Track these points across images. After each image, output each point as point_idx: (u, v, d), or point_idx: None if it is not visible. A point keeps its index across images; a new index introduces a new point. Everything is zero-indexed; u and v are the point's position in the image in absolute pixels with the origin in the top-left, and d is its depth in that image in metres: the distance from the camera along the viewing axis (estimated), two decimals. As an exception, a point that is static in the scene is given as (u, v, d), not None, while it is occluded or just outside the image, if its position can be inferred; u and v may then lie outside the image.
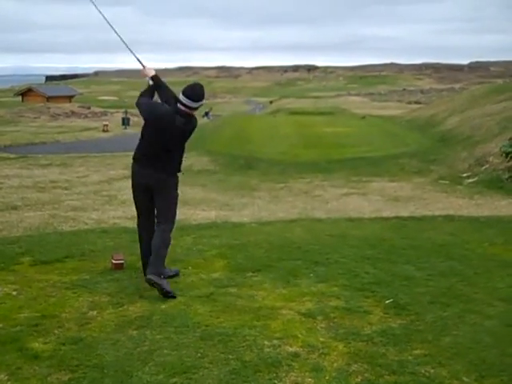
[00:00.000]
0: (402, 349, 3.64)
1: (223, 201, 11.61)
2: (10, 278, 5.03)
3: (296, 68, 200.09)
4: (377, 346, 3.68)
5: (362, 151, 19.68)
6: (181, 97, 4.61)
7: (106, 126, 35.65)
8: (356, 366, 3.41)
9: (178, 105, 4.62)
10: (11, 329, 3.88)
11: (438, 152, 18.41)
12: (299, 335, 3.83)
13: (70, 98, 62.26)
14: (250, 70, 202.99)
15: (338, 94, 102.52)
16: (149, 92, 4.90)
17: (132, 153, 4.95)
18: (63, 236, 6.97)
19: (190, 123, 4.68)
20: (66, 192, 12.43)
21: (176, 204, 4.86)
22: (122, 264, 5.28)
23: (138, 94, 5.01)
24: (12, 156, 20.96)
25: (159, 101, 4.87)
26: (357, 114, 43.08)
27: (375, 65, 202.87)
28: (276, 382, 3.22)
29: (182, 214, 8.92)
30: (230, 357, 3.48)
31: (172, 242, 4.89)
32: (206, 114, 47.56)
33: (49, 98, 58.14)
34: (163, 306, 4.33)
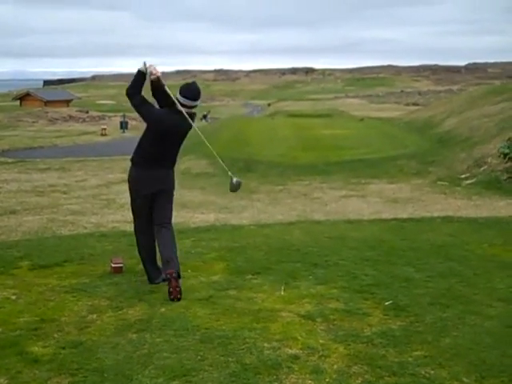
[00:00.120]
0: (401, 350, 3.64)
1: (222, 203, 11.61)
2: (9, 282, 5.02)
3: (294, 70, 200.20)
4: (377, 347, 3.68)
5: (360, 153, 19.69)
6: (179, 97, 4.73)
7: (104, 129, 35.68)
8: (356, 367, 3.40)
9: (178, 105, 4.71)
10: (11, 333, 3.87)
11: (437, 153, 18.42)
12: (299, 337, 3.83)
13: (67, 102, 62.28)
14: (248, 73, 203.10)
15: (336, 96, 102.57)
16: (140, 85, 4.79)
17: (130, 156, 4.96)
18: (62, 240, 6.97)
19: (191, 119, 4.84)
20: (64, 196, 12.43)
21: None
22: (121, 268, 5.28)
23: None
24: (10, 160, 20.97)
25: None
26: (355, 116, 43.11)
27: (373, 67, 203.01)
28: (276, 384, 3.21)
29: (181, 217, 8.94)
30: (230, 359, 3.47)
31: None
32: (204, 116, 47.56)
33: (47, 103, 58.15)
34: (163, 309, 4.32)
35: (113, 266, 5.26)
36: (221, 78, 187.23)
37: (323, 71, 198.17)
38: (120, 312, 4.28)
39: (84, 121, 44.90)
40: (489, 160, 14.92)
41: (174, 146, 4.86)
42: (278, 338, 3.81)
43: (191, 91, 4.78)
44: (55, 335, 3.84)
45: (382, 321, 4.15)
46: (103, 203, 11.33)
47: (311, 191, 13.79)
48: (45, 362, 3.44)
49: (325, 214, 10.06)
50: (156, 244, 4.91)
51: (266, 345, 3.69)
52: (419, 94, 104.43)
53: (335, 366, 3.41)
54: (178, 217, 7.92)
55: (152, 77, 4.71)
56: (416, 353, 3.60)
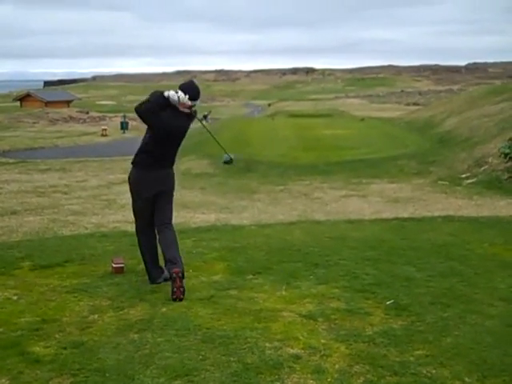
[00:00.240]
0: (403, 350, 3.64)
1: (223, 204, 11.61)
2: (11, 282, 5.03)
3: (294, 71, 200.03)
4: (378, 347, 3.68)
5: (361, 153, 19.70)
6: (180, 95, 4.75)
7: (105, 130, 35.68)
8: (358, 367, 3.40)
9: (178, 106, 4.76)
10: (12, 333, 3.87)
11: (437, 153, 18.42)
12: (300, 337, 3.83)
13: (68, 102, 62.29)
14: (249, 73, 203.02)
15: (337, 96, 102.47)
16: (157, 108, 4.71)
17: (131, 157, 4.97)
18: (63, 240, 6.97)
19: (191, 119, 4.95)
20: (65, 196, 12.44)
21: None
22: (122, 268, 5.28)
23: (136, 98, 5.04)
24: (11, 161, 20.99)
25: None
26: (355, 116, 43.09)
27: (373, 67, 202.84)
28: None
29: (182, 217, 8.94)
30: (232, 359, 3.47)
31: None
32: (205, 117, 47.46)
33: (47, 103, 58.19)
34: (164, 309, 4.33)
35: (114, 266, 5.27)
36: (221, 79, 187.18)
37: (323, 71, 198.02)
38: (121, 312, 4.29)
39: (84, 121, 44.89)
40: (489, 160, 14.92)
41: (174, 146, 4.92)
42: (279, 337, 3.81)
43: (193, 91, 4.79)
44: (56, 335, 3.84)
45: (384, 320, 4.15)
46: (104, 203, 11.33)
47: (312, 191, 13.79)
48: (46, 362, 3.44)
49: (325, 214, 10.06)
50: (158, 244, 4.91)
51: (267, 344, 3.69)
52: (419, 93, 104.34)
53: (337, 366, 3.41)
54: (179, 217, 7.93)
55: (185, 110, 4.76)
56: (417, 352, 3.61)
